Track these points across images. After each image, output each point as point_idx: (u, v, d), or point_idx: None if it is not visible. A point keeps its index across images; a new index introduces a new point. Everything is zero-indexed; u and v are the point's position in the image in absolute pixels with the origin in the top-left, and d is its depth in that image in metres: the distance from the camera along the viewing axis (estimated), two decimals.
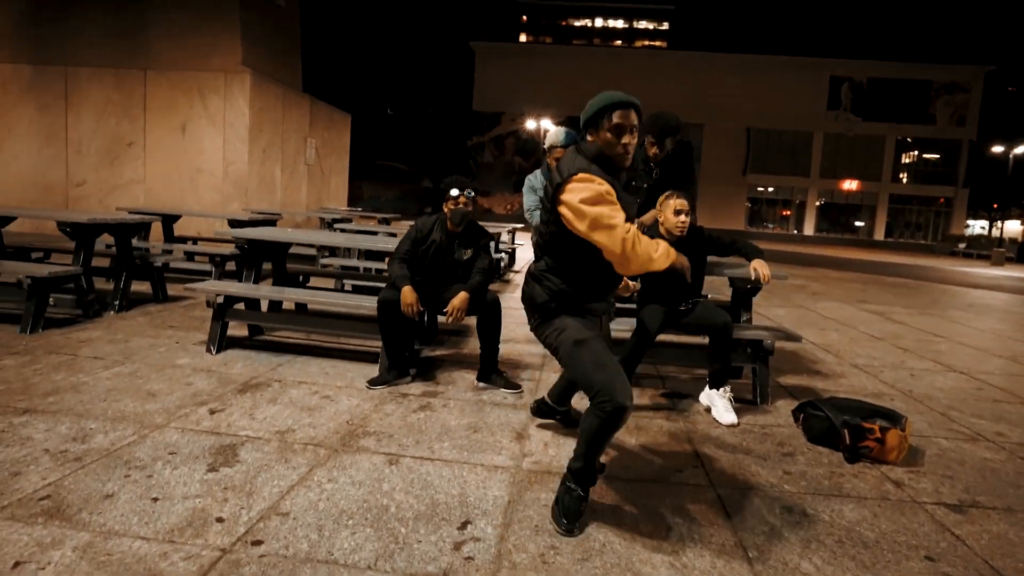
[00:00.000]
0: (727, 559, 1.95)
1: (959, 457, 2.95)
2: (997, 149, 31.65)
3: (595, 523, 2.12)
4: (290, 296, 3.92)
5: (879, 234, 40.48)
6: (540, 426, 3.01)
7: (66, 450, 2.38)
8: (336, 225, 7.32)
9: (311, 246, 6.85)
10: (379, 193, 35.78)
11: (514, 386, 3.54)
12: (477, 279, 3.56)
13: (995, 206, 43.42)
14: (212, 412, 2.89)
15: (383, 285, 5.79)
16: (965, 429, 3.38)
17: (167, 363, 3.61)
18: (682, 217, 3.24)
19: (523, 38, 66.20)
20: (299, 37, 12.44)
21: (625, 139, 2.05)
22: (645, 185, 3.67)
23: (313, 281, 6.10)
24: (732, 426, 3.18)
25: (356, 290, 5.85)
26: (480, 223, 3.82)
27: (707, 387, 3.41)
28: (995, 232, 42.86)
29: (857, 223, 41.49)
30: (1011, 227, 46.98)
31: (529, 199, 4.00)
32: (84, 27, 10.13)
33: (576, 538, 2.02)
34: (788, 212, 41.76)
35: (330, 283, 6.02)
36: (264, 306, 4.62)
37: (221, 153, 9.93)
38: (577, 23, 69.22)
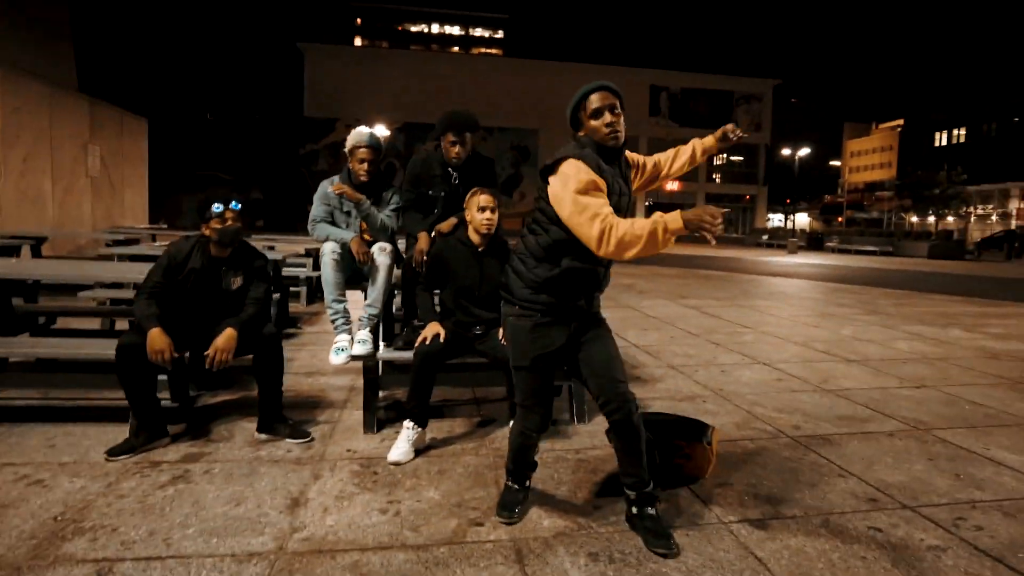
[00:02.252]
0: None
1: (762, 460, 2.95)
2: (785, 152, 36.24)
3: None
4: (3, 351, 3.04)
5: None
6: (328, 482, 2.53)
7: None
8: (116, 249, 6.19)
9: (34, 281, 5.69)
10: None
11: (302, 434, 3.01)
12: (250, 311, 2.99)
13: (788, 201, 49.90)
14: None
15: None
16: (767, 426, 3.44)
17: None
18: (487, 214, 2.94)
19: (358, 41, 64.33)
20: (68, 26, 10.63)
21: (608, 118, 2.10)
22: (442, 193, 3.34)
23: (73, 321, 5.03)
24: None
25: (132, 327, 4.91)
26: (253, 244, 3.25)
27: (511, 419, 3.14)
28: (789, 224, 49.23)
29: None
30: (801, 219, 54.31)
31: (317, 208, 3.49)
32: None
33: None
34: None
35: (95, 322, 4.99)
36: None
37: None
38: (414, 28, 68.71)
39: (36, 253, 7.39)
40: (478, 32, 70.26)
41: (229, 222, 2.92)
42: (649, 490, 2.21)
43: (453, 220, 3.24)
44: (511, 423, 3.04)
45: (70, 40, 10.65)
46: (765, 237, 35.81)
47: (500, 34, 70.41)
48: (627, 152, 2.32)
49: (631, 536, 2.19)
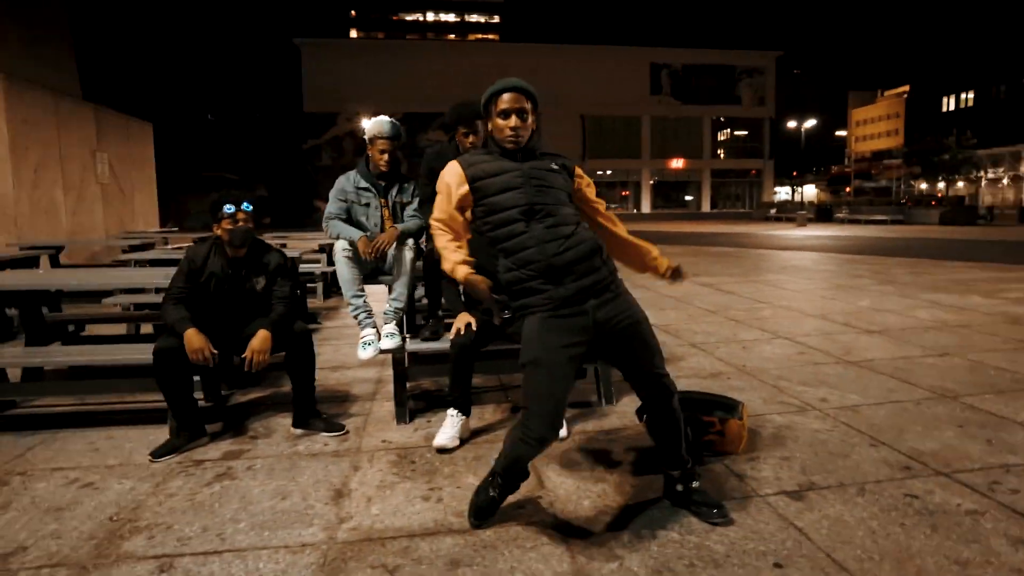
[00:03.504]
0: None
1: (792, 433, 2.98)
2: (791, 124, 35.92)
3: None
4: (39, 360, 3.11)
5: (705, 206, 44.46)
6: (367, 473, 2.59)
7: None
8: (131, 255, 6.26)
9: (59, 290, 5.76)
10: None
11: (336, 427, 3.07)
12: (279, 310, 3.03)
13: (795, 174, 49.50)
14: None
15: None
16: (794, 400, 3.47)
17: None
18: None
19: (353, 34, 63.98)
20: (70, 36, 10.64)
21: (513, 122, 2.13)
22: None
23: (100, 328, 5.11)
24: (561, 439, 2.94)
25: (158, 331, 4.98)
26: (279, 236, 3.28)
27: None
28: (797, 197, 48.88)
29: (687, 197, 45.23)
30: (809, 191, 53.79)
31: (332, 204, 3.52)
32: None
33: None
34: (627, 192, 44.47)
35: (122, 327, 5.07)
36: (17, 373, 3.69)
37: None
38: (409, 17, 68.24)
39: (55, 262, 7.48)
40: (474, 18, 69.68)
41: (240, 223, 2.95)
42: (691, 466, 2.25)
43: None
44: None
45: (71, 47, 10.67)
46: (773, 211, 35.61)
47: (496, 19, 69.81)
48: (577, 168, 2.33)
49: (673, 513, 2.23)
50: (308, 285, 7.13)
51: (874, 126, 67.77)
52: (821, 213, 33.24)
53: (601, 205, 2.40)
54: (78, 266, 8.21)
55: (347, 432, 3.09)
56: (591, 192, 2.36)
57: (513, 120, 2.13)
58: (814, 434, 2.96)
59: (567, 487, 2.47)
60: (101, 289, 4.68)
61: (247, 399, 3.67)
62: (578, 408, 3.38)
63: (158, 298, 5.28)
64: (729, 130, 45.55)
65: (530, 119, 2.17)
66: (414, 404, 3.37)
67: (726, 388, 3.67)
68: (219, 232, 2.93)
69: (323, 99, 37.95)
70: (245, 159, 35.13)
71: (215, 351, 2.83)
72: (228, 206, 2.86)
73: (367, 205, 3.52)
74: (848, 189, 53.53)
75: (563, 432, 2.96)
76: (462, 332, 2.90)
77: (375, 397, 3.68)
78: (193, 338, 2.77)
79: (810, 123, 34.94)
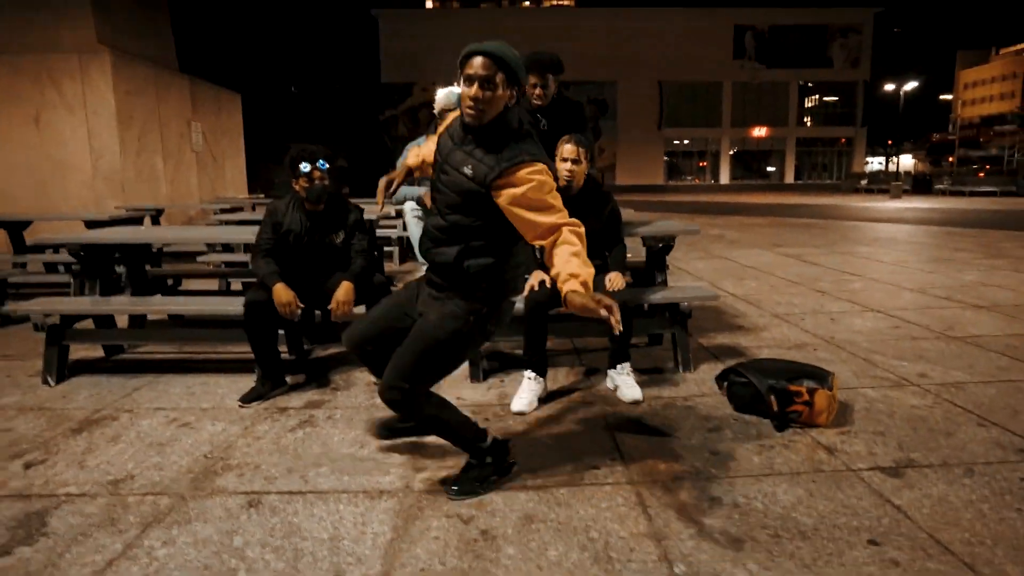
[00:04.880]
0: None
1: (888, 408, 2.78)
2: (888, 88, 33.25)
3: (492, 556, 1.76)
4: (143, 308, 3.33)
5: (789, 177, 42.14)
6: None
7: None
8: (222, 216, 6.59)
9: (167, 245, 6.11)
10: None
11: None
12: (359, 262, 3.09)
13: (889, 143, 46.06)
14: (28, 466, 2.33)
15: None
16: (889, 374, 3.24)
17: None
18: (567, 165, 2.91)
19: (429, 4, 64.00)
20: (167, 10, 11.17)
21: (472, 91, 1.83)
22: None
23: (194, 283, 5.43)
24: (636, 402, 2.89)
25: (246, 288, 5.24)
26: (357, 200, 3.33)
27: (608, 368, 3.12)
28: (891, 167, 45.51)
29: (769, 168, 43.01)
30: (905, 161, 49.96)
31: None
32: None
33: None
34: (704, 163, 42.75)
35: (214, 284, 5.36)
36: (124, 320, 3.98)
37: (87, 145, 8.80)
38: None
39: (155, 223, 7.99)
40: None
41: (316, 180, 2.99)
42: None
43: None
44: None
45: (169, 22, 11.21)
46: (864, 182, 33.32)
47: None
48: (510, 177, 1.86)
49: (756, 482, 2.14)
50: (385, 249, 7.30)
51: (985, 88, 61.80)
52: (919, 184, 30.77)
53: (536, 228, 1.87)
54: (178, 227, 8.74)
55: None
56: (521, 212, 1.86)
57: (474, 89, 1.82)
58: (912, 410, 2.76)
59: (641, 450, 2.41)
60: (193, 244, 4.93)
61: (327, 354, 3.80)
62: (649, 374, 3.30)
63: (245, 256, 5.56)
64: (818, 96, 42.66)
65: (500, 91, 1.84)
66: (487, 364, 3.39)
67: (812, 359, 3.46)
68: (297, 188, 3.00)
69: (399, 70, 38.36)
70: (325, 129, 36.20)
71: (302, 305, 2.94)
72: (304, 164, 2.91)
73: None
74: (951, 158, 49.28)
75: (638, 395, 2.90)
76: (536, 288, 2.87)
77: None
78: (282, 292, 2.87)
79: (910, 86, 32.09)
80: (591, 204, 3.02)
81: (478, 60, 1.84)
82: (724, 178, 41.90)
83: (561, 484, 2.17)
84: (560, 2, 64.37)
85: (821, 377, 2.62)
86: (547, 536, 1.85)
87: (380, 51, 38.96)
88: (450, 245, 1.98)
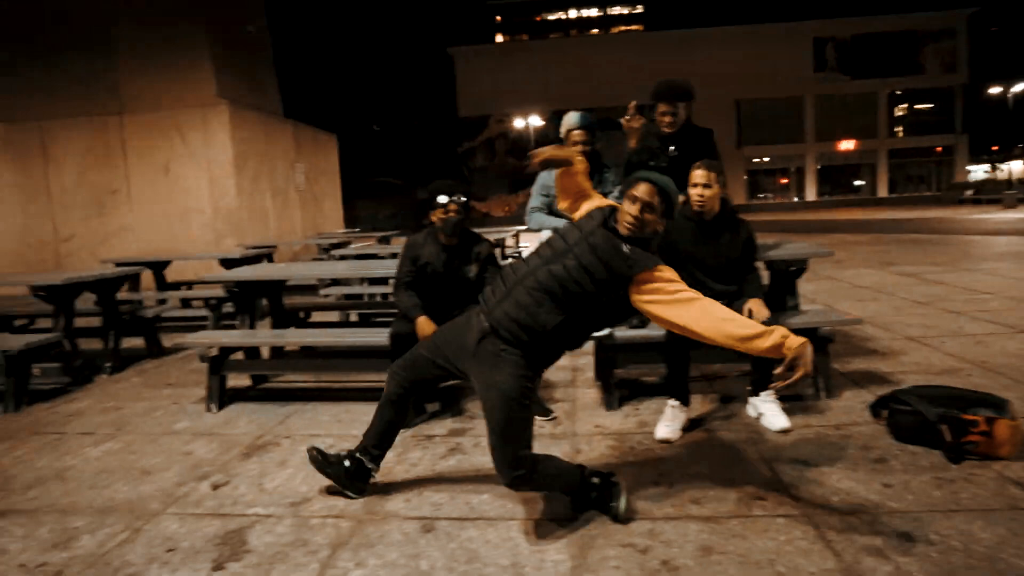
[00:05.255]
0: None
1: None
2: (994, 91, 31.06)
3: None
4: (292, 339, 3.56)
5: (882, 191, 39.87)
6: (590, 456, 2.64)
7: (45, 563, 2.02)
8: (334, 251, 6.96)
9: (305, 281, 6.49)
10: (375, 211, 35.30)
11: (545, 411, 3.16)
12: None
13: (995, 149, 42.78)
14: (215, 487, 2.53)
15: (392, 311, 5.44)
16: None
17: (164, 430, 3.25)
18: (698, 190, 2.91)
19: (499, 38, 65.87)
20: (272, 62, 12.09)
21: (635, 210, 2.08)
22: (664, 164, 3.29)
23: (315, 315, 5.75)
24: (784, 431, 2.79)
25: (363, 320, 5.49)
26: (476, 230, 3.44)
27: (749, 395, 3.03)
28: (999, 175, 42.23)
29: (857, 183, 40.89)
30: (1017, 167, 46.19)
31: (535, 199, 3.63)
32: (54, 79, 9.81)
33: None
34: (786, 180, 41.20)
35: (334, 315, 5.66)
36: (266, 351, 4.27)
37: (208, 190, 9.58)
38: (551, 17, 68.73)
39: (266, 260, 8.54)
40: (616, 10, 68.53)
41: (452, 213, 3.11)
42: None
43: (681, 198, 3.20)
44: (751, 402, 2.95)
45: (274, 72, 12.11)
46: (969, 192, 31.00)
47: (639, 8, 68.08)
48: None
49: (943, 518, 2.01)
50: None
51: None
52: None
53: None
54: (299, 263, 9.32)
55: (556, 417, 3.18)
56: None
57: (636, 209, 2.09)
58: None
59: (805, 481, 2.33)
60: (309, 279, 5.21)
61: (455, 383, 3.90)
62: (788, 401, 3.18)
63: (362, 289, 5.83)
64: (908, 104, 40.36)
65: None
66: (619, 392, 3.38)
67: (969, 386, 3.24)
68: (435, 219, 3.12)
69: (475, 103, 39.52)
70: (406, 164, 37.70)
71: None
72: (442, 197, 3.04)
73: None
74: None
75: (786, 423, 2.80)
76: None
77: (574, 384, 3.74)
78: (424, 325, 3.00)
79: (1019, 87, 29.82)
80: (727, 230, 2.99)
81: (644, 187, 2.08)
82: (810, 195, 40.17)
83: (730, 515, 2.12)
84: (629, 28, 64.62)
85: (998, 405, 2.45)
86: (731, 569, 1.82)
87: (456, 87, 40.35)
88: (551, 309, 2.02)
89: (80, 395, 3.98)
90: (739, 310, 2.86)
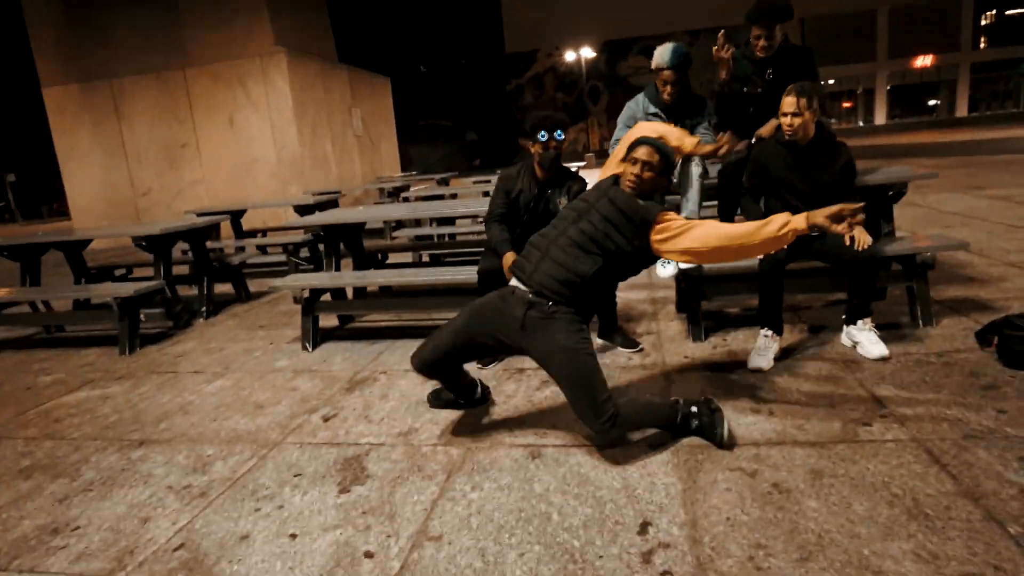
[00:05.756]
0: (986, 543, 1.57)
1: None
2: None
3: (796, 508, 1.77)
4: (376, 280, 3.69)
5: (962, 110, 36.93)
6: (683, 386, 2.66)
7: (189, 485, 2.23)
8: (401, 194, 7.04)
9: (385, 221, 6.61)
10: (426, 154, 35.24)
11: (632, 344, 3.19)
12: None
13: None
14: (326, 419, 2.69)
15: (461, 251, 5.51)
16: None
17: (266, 368, 3.46)
18: (787, 119, 2.78)
19: None
20: (325, 6, 11.98)
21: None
22: (759, 89, 3.14)
23: (389, 257, 5.88)
24: (883, 359, 2.73)
25: (433, 260, 5.60)
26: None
27: (845, 324, 2.95)
28: None
29: (931, 102, 37.96)
30: None
31: (620, 130, 3.54)
32: (119, 37, 10.06)
33: (784, 531, 1.68)
34: (850, 104, 38.59)
35: (407, 256, 5.78)
36: (350, 292, 4.42)
37: (271, 139, 9.78)
38: None
39: (335, 206, 8.73)
40: None
41: (551, 148, 3.07)
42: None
43: (774, 123, 3.06)
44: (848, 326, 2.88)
45: (327, 17, 12.02)
46: None
47: None
48: None
49: None
50: None
51: None
52: None
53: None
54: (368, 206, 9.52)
55: (642, 348, 3.20)
56: None
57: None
58: None
59: (913, 407, 2.29)
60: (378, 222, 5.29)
61: None
62: (885, 330, 3.08)
63: (431, 229, 5.91)
64: (996, 10, 36.63)
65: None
66: (705, 323, 3.36)
67: None
68: (533, 152, 3.08)
69: (522, 38, 38.23)
70: (454, 105, 37.21)
71: None
72: (542, 132, 3.00)
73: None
74: None
75: (884, 351, 2.74)
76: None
77: (657, 317, 3.74)
78: (509, 260, 3.03)
79: None
80: (823, 156, 2.86)
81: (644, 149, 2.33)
82: (880, 118, 37.63)
83: (836, 440, 2.12)
84: None
85: None
86: (844, 490, 1.83)
87: (503, 21, 39.05)
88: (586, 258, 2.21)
89: (183, 337, 4.26)
90: (841, 238, 2.77)
